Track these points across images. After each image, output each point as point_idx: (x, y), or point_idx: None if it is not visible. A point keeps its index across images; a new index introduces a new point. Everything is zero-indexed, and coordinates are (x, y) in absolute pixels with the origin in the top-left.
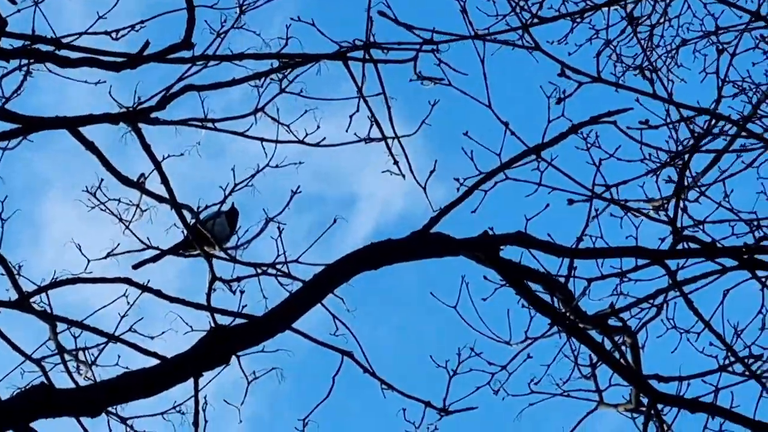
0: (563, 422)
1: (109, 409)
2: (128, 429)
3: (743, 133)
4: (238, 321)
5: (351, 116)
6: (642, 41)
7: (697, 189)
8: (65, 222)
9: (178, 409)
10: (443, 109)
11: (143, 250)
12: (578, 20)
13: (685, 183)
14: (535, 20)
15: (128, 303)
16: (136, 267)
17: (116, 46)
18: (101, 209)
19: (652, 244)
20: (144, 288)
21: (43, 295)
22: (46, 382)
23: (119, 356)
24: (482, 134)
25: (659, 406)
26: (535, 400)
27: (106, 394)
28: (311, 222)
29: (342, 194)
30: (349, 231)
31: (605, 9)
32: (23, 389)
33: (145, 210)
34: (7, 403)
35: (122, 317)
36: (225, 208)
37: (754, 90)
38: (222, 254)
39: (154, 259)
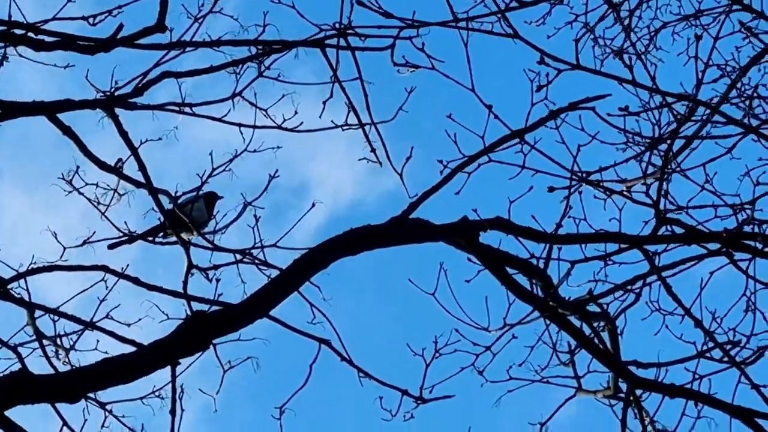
0: (542, 409)
1: (88, 394)
2: (107, 414)
3: (720, 117)
4: (215, 308)
5: (325, 102)
6: (623, 23)
7: (680, 173)
8: (40, 208)
9: (157, 394)
10: (420, 97)
11: (119, 237)
12: (556, 2)
13: (667, 167)
14: (514, 4)
15: (106, 288)
16: (111, 247)
17: (93, 32)
18: (79, 193)
19: (635, 226)
20: (121, 275)
21: (21, 281)
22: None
23: (98, 341)
24: (461, 121)
25: (638, 392)
26: (514, 386)
27: (84, 380)
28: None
29: (293, 181)
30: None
31: None
32: (0, 376)
33: (123, 194)
34: None
35: (99, 303)
36: (203, 193)
37: (735, 73)
38: (199, 239)
39: (129, 240)
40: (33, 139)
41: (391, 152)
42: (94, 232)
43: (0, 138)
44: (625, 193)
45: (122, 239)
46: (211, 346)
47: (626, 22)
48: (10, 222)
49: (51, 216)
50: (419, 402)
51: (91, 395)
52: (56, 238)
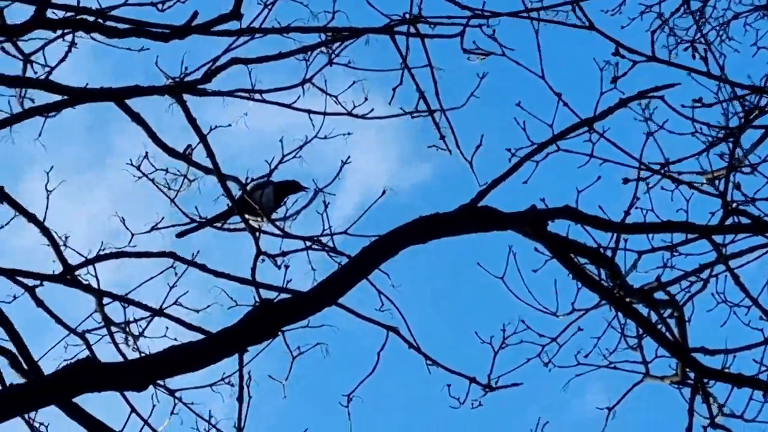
0: (609, 394)
1: (156, 382)
2: (176, 401)
3: None
4: (283, 296)
5: (395, 89)
6: (694, 15)
7: (749, 165)
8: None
9: (227, 381)
10: (489, 85)
11: (188, 224)
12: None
13: (735, 159)
14: None
15: (175, 275)
16: (180, 235)
17: (162, 18)
18: (149, 179)
19: (702, 217)
20: (189, 262)
21: (89, 267)
22: (90, 355)
23: (167, 328)
24: (529, 109)
25: (705, 380)
26: (582, 371)
27: (151, 368)
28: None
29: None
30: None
31: None
32: (68, 363)
33: (193, 180)
34: (51, 378)
35: (169, 291)
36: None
37: None
38: (269, 226)
39: (198, 227)
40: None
41: (460, 140)
42: (162, 218)
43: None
44: (693, 183)
45: (191, 227)
46: (280, 333)
47: (698, 12)
48: (77, 209)
49: (117, 202)
50: (487, 390)
51: (160, 382)
52: (124, 223)
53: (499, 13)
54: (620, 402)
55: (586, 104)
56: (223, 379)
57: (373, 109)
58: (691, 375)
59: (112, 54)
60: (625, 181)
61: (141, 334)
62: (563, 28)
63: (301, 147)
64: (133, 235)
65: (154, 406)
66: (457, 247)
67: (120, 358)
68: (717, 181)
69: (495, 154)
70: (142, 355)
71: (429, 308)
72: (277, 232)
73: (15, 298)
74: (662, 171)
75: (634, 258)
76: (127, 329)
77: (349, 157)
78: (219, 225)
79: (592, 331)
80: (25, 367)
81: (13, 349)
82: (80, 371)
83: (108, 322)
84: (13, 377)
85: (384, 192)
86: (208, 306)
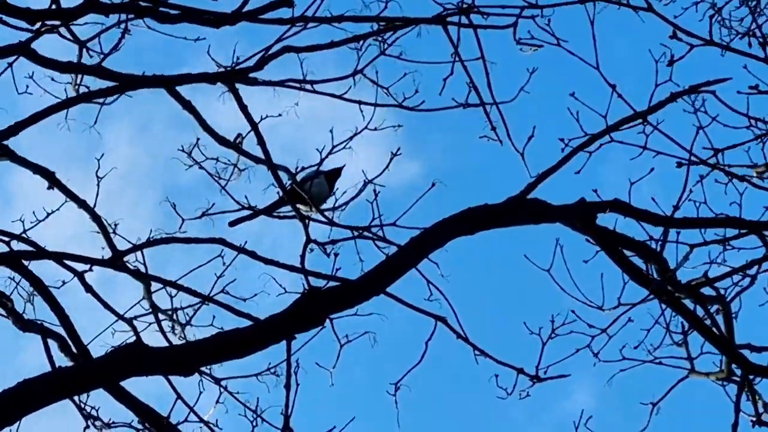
0: (654, 389)
1: (203, 369)
2: (222, 389)
3: None
4: (332, 284)
5: (445, 80)
6: (749, 5)
7: None
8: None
9: (273, 371)
10: (541, 76)
11: (238, 210)
12: None
13: None
14: None
15: (223, 264)
16: (232, 224)
17: (214, 6)
18: (200, 167)
19: (756, 211)
20: (239, 249)
21: (137, 253)
22: (138, 340)
23: (214, 317)
24: (582, 100)
25: (751, 377)
26: (626, 366)
27: (198, 353)
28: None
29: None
30: None
31: None
32: (115, 347)
33: (243, 170)
34: (99, 361)
35: (217, 278)
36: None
37: None
38: (318, 216)
39: (250, 217)
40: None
41: (512, 131)
42: (213, 204)
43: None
44: (746, 177)
45: (243, 216)
46: (328, 321)
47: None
48: (124, 194)
49: (167, 189)
50: (535, 381)
51: (206, 371)
52: (175, 209)
53: (554, 3)
54: (665, 397)
55: (641, 93)
56: (269, 369)
57: (423, 101)
58: (737, 372)
59: (164, 42)
60: (679, 164)
61: (188, 323)
62: (619, 15)
63: (351, 138)
64: (183, 220)
65: (200, 393)
66: (507, 238)
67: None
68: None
69: (547, 146)
70: (187, 341)
71: (478, 298)
72: (326, 221)
73: (64, 283)
74: (715, 163)
75: (685, 251)
76: (174, 316)
77: (399, 149)
78: (270, 214)
79: (639, 325)
80: (74, 350)
81: (63, 333)
82: (128, 354)
83: (155, 309)
84: (62, 360)
85: (433, 184)
86: (255, 294)
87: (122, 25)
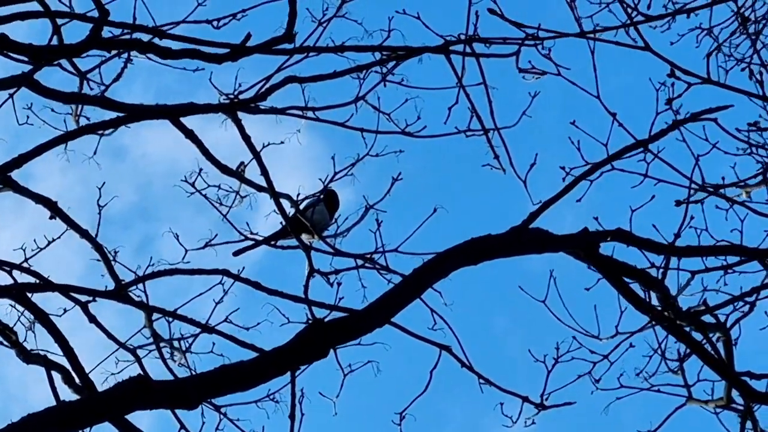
0: (652, 417)
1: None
2: (222, 416)
3: None
4: (336, 314)
5: (450, 108)
6: (750, 36)
7: None
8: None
9: (272, 397)
10: (543, 104)
11: (242, 240)
12: (683, 18)
13: None
14: (640, 17)
15: (224, 291)
16: (236, 254)
17: (217, 36)
18: (201, 195)
19: (758, 237)
20: (242, 280)
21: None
22: (140, 370)
23: (213, 344)
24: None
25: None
26: (623, 394)
27: (203, 386)
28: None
29: None
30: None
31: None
32: (120, 381)
33: (245, 197)
34: (104, 395)
35: (215, 306)
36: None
37: None
38: (321, 244)
39: (252, 246)
40: None
41: (514, 159)
42: (216, 235)
43: None
44: (747, 203)
45: (246, 246)
46: (332, 350)
47: (754, 32)
48: (126, 228)
49: (166, 221)
50: (540, 408)
51: None
52: (178, 239)
53: (555, 35)
54: (662, 425)
55: (641, 124)
56: (268, 396)
57: (425, 127)
58: (738, 399)
59: (163, 70)
60: (678, 203)
61: (188, 350)
62: (618, 48)
63: (353, 164)
64: (186, 251)
65: (203, 422)
66: (510, 264)
67: (169, 374)
68: None
69: (550, 173)
70: (193, 373)
71: (481, 326)
72: (329, 249)
73: (65, 311)
74: (716, 191)
75: (687, 277)
76: (178, 345)
77: (399, 174)
78: (273, 243)
79: (638, 352)
80: (78, 382)
81: (66, 364)
82: (133, 389)
83: (156, 337)
84: (65, 392)
85: (435, 210)
86: (258, 323)
87: (123, 55)
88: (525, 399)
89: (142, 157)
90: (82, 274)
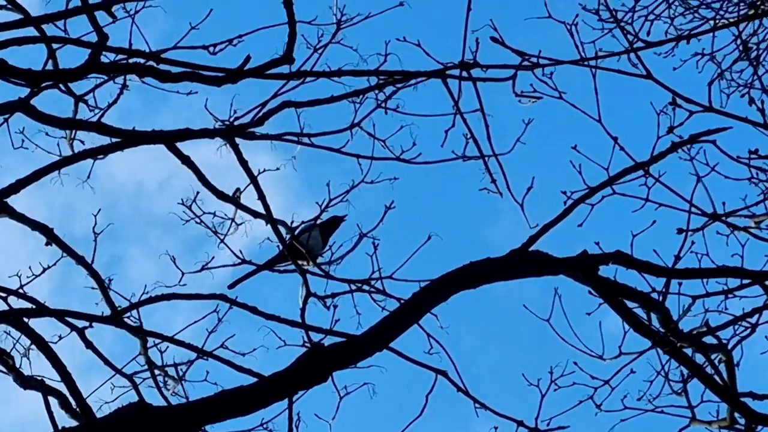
0: None
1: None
2: None
3: None
4: (333, 339)
5: (447, 131)
6: (752, 62)
7: None
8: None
9: (265, 426)
10: (540, 129)
11: (238, 264)
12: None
13: None
14: (640, 44)
15: (219, 319)
16: (231, 286)
17: (214, 61)
18: (196, 222)
19: (759, 261)
20: (239, 305)
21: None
22: (137, 396)
23: (207, 372)
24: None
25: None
26: (627, 416)
27: (202, 412)
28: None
29: None
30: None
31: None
32: (119, 407)
33: (240, 224)
34: (103, 421)
35: (210, 333)
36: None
37: None
38: (316, 269)
39: (247, 276)
40: None
41: (511, 183)
42: (213, 258)
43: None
44: (747, 228)
45: (241, 277)
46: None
47: (755, 60)
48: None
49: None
50: None
51: None
52: (174, 262)
53: (554, 62)
54: None
55: (643, 149)
56: (262, 425)
57: (420, 154)
58: (741, 420)
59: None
60: (680, 231)
61: (182, 378)
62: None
63: (348, 191)
64: (183, 273)
65: None
66: (507, 288)
67: (164, 402)
68: None
69: (549, 198)
70: (182, 401)
71: (477, 349)
72: (324, 275)
73: (61, 337)
74: (717, 216)
75: (687, 301)
76: (168, 372)
77: (392, 202)
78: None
79: (640, 375)
80: (75, 407)
81: (63, 389)
82: (132, 415)
83: (151, 364)
84: (62, 417)
85: (429, 237)
86: (255, 349)
87: (119, 79)
88: (520, 423)
89: (107, 178)
90: (79, 300)
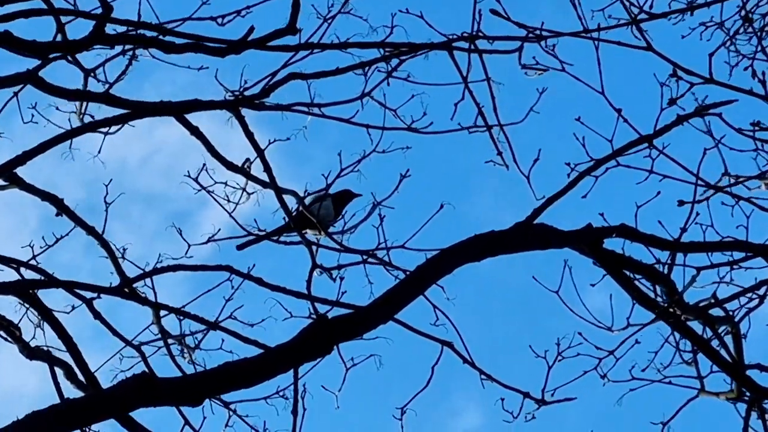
0: (664, 409)
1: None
2: (231, 413)
3: None
4: (339, 310)
5: (456, 104)
6: (757, 33)
7: None
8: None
9: (281, 394)
10: (546, 101)
11: (245, 236)
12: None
13: None
14: (644, 15)
15: (231, 288)
16: (240, 248)
17: (222, 33)
18: (207, 192)
19: (763, 234)
20: (246, 276)
21: (146, 280)
22: (145, 368)
23: (223, 340)
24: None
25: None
26: (636, 386)
27: (207, 384)
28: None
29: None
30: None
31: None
32: (124, 378)
33: (252, 193)
34: (108, 393)
35: (225, 303)
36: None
37: None
38: (326, 240)
39: (256, 240)
40: None
41: (519, 155)
42: (219, 230)
43: None
44: (752, 199)
45: (250, 240)
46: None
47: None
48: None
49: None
50: (541, 404)
51: None
52: (181, 234)
53: (556, 34)
54: (675, 417)
55: (646, 120)
56: (278, 392)
57: (432, 123)
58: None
59: (169, 69)
60: (681, 203)
61: (197, 347)
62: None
63: (359, 161)
64: (189, 246)
65: (204, 417)
66: (513, 261)
67: (176, 371)
68: None
69: (554, 170)
70: (198, 369)
71: (484, 321)
72: (334, 245)
73: (73, 308)
74: (721, 187)
75: (692, 273)
76: (183, 342)
77: (408, 171)
78: (276, 238)
79: (648, 345)
80: (81, 378)
81: (70, 361)
82: (137, 386)
83: (165, 334)
84: (68, 388)
85: (442, 206)
86: (263, 320)
87: (128, 53)
88: (526, 395)
89: (90, 154)
90: (90, 272)
